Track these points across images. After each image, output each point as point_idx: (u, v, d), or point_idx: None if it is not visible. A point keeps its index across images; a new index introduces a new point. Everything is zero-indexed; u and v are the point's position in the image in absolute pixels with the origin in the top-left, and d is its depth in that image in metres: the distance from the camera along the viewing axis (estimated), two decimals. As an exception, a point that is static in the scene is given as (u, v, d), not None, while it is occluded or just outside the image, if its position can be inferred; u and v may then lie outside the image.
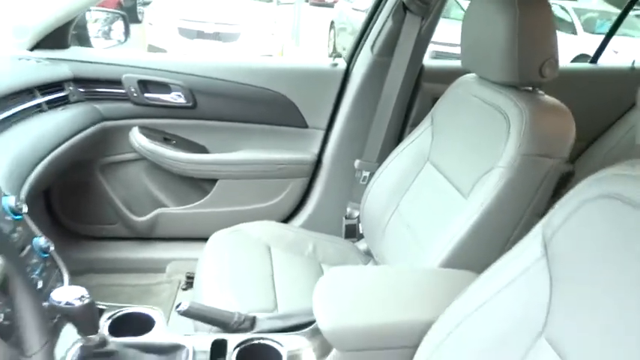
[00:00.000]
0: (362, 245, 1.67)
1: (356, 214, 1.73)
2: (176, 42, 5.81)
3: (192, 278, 1.52)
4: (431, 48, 1.80)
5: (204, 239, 1.48)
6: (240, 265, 1.38)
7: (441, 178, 1.32)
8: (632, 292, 0.59)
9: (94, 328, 0.88)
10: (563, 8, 6.80)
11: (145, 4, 6.65)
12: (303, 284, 1.34)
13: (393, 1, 1.60)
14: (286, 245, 1.51)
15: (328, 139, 1.79)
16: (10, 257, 0.61)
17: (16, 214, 0.97)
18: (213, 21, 5.93)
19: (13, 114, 1.26)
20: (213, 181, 1.77)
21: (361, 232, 1.68)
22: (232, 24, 6.01)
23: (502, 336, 0.76)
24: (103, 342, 0.90)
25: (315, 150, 1.80)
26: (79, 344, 0.87)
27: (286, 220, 1.85)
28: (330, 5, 11.44)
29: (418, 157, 1.44)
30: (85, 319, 0.84)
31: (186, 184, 1.79)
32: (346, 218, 1.76)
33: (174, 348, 0.96)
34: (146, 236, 1.80)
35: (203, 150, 1.77)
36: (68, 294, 0.82)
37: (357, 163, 1.72)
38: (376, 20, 1.68)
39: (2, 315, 0.62)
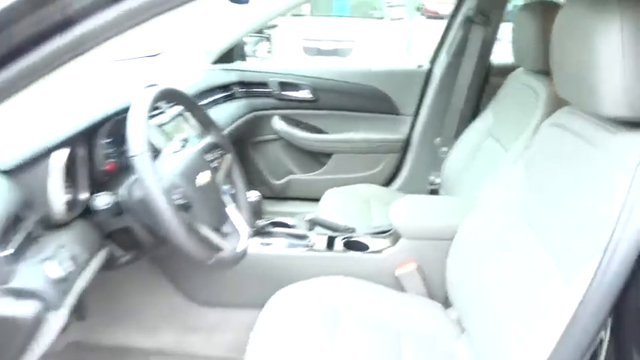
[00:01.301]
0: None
1: (437, 180, 2.22)
2: (300, 59, 6.66)
3: None
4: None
5: None
6: (348, 208, 1.97)
7: (496, 144, 1.80)
8: (564, 183, 1.02)
9: (261, 216, 1.53)
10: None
11: (272, 27, 7.62)
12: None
13: (462, 15, 2.11)
14: (382, 200, 2.08)
15: (415, 123, 2.33)
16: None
17: None
18: (332, 39, 6.71)
19: (207, 103, 2.00)
20: (329, 155, 2.40)
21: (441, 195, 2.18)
22: (348, 40, 6.73)
23: (495, 219, 1.24)
24: (266, 225, 1.55)
25: (406, 131, 2.35)
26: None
27: (385, 185, 2.41)
28: (445, 17, 11.77)
29: (483, 133, 1.92)
30: (259, 209, 1.50)
31: (310, 157, 2.44)
32: (430, 184, 2.26)
33: (304, 236, 1.58)
34: (281, 196, 2.48)
35: (322, 132, 2.40)
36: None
37: (437, 140, 2.24)
38: (451, 30, 2.20)
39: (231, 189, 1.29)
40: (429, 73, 2.29)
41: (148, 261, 1.55)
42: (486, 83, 2.24)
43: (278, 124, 2.36)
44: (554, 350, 0.81)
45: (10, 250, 0.84)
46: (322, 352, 1.12)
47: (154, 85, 1.14)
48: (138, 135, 0.94)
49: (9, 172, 0.92)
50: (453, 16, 2.18)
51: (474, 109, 2.24)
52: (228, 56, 2.28)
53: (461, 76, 2.15)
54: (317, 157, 2.44)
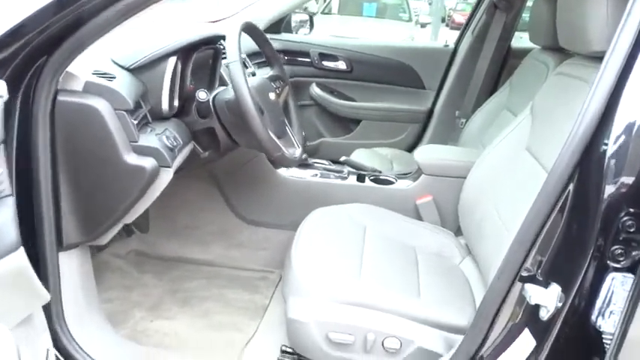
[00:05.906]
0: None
1: (454, 149, 2.50)
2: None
3: None
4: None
5: None
6: (374, 162, 2.23)
7: (509, 114, 2.05)
8: (566, 120, 1.20)
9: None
10: None
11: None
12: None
13: (487, 1, 2.39)
14: (402, 160, 2.35)
15: (438, 96, 2.60)
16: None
17: None
18: (357, 36, 6.96)
19: (253, 64, 2.28)
20: (358, 122, 2.68)
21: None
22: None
23: (503, 156, 1.49)
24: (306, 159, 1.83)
25: (429, 104, 2.63)
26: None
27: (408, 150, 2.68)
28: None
29: (498, 106, 2.17)
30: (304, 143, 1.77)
31: (341, 122, 2.72)
32: (447, 152, 2.53)
33: (340, 170, 1.85)
34: (312, 156, 2.75)
35: (353, 100, 2.68)
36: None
37: (457, 112, 2.51)
38: (476, 14, 2.47)
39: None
40: (453, 53, 2.57)
41: (207, 182, 1.84)
42: (505, 64, 2.50)
43: (315, 90, 2.64)
44: None
45: (135, 121, 1.13)
46: (353, 259, 1.32)
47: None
48: (234, 47, 1.23)
49: (132, 70, 1.22)
50: (479, 1, 2.45)
51: (491, 87, 2.50)
52: (276, 27, 2.57)
53: (482, 57, 2.42)
54: (347, 123, 2.72)
